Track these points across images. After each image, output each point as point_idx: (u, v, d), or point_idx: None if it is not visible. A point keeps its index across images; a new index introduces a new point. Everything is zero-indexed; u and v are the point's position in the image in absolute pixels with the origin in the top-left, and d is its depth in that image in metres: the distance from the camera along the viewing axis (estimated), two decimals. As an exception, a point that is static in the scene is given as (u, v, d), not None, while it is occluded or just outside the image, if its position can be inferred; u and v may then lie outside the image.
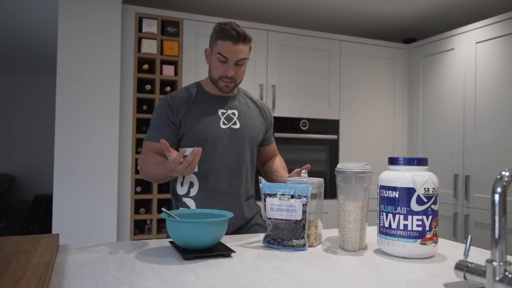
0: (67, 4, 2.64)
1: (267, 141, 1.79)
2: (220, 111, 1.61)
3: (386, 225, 1.19)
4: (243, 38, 1.52)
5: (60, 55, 2.63)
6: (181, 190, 1.60)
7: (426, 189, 1.16)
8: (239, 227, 1.63)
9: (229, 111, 1.62)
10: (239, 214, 1.61)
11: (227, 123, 1.60)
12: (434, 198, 1.18)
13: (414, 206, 1.16)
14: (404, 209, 1.16)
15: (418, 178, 1.17)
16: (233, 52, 1.51)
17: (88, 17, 2.69)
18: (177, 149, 1.58)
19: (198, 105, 1.59)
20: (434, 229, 1.17)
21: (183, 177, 1.59)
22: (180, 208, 1.60)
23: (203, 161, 1.55)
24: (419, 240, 1.15)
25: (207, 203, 1.56)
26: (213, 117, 1.58)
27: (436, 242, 1.18)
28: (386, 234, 1.19)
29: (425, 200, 1.16)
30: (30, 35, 4.17)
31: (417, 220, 1.15)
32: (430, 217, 1.17)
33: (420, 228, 1.15)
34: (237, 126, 1.61)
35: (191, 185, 1.58)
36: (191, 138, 1.55)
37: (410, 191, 1.16)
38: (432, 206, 1.17)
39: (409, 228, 1.16)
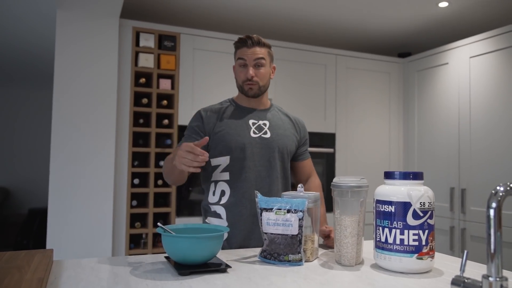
0: (64, 18, 2.66)
1: (301, 156, 1.79)
2: (251, 121, 1.65)
3: (383, 239, 1.19)
4: (257, 42, 1.61)
5: (57, 68, 2.64)
6: (212, 198, 1.64)
7: (422, 204, 1.16)
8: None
9: (260, 122, 1.66)
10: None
11: (257, 132, 1.64)
12: (430, 212, 1.18)
13: (410, 220, 1.16)
14: (400, 223, 1.16)
15: (414, 193, 1.17)
16: (249, 53, 1.60)
17: (85, 31, 2.70)
18: (209, 162, 1.64)
19: (229, 115, 1.65)
20: (430, 244, 1.17)
21: (215, 186, 1.63)
22: (208, 218, 1.64)
23: (233, 168, 1.59)
24: (416, 254, 1.15)
25: (236, 210, 1.58)
26: (244, 126, 1.63)
27: (432, 257, 1.18)
28: (383, 248, 1.19)
29: (421, 214, 1.16)
30: (26, 49, 4.18)
31: (414, 234, 1.15)
32: (427, 231, 1.16)
33: (416, 243, 1.15)
34: (268, 135, 1.64)
35: (223, 193, 1.62)
36: (221, 145, 1.60)
37: (406, 206, 1.16)
38: (428, 221, 1.17)
39: (406, 242, 1.15)
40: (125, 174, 2.78)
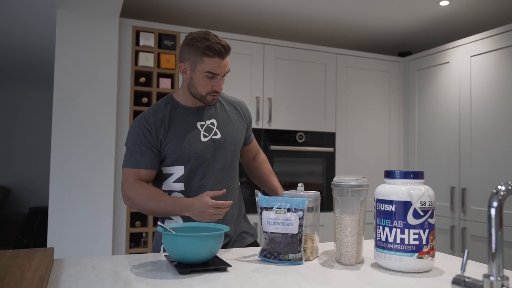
0: (64, 18, 2.66)
1: (248, 139, 1.74)
2: (198, 124, 1.54)
3: (383, 238, 1.19)
4: (229, 49, 1.48)
5: (57, 68, 2.64)
6: None
7: (422, 203, 1.16)
8: (230, 239, 1.61)
9: (208, 122, 1.56)
10: (231, 225, 1.59)
11: (207, 135, 1.54)
12: (430, 211, 1.18)
13: (410, 219, 1.16)
14: (400, 222, 1.16)
15: (415, 192, 1.17)
16: (222, 67, 1.48)
17: (85, 30, 2.70)
18: (160, 170, 1.54)
19: (175, 122, 1.52)
20: (431, 243, 1.17)
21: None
22: (166, 221, 1.56)
23: (188, 178, 1.52)
24: (416, 254, 1.15)
25: (194, 220, 1.47)
26: (193, 132, 1.52)
27: (433, 256, 1.18)
28: (383, 248, 1.19)
29: (422, 213, 1.16)
30: (26, 49, 4.18)
31: (414, 233, 1.15)
32: (427, 230, 1.16)
33: (417, 242, 1.15)
34: (218, 136, 1.56)
35: None
36: (173, 157, 1.50)
37: (406, 205, 1.16)
38: (429, 220, 1.17)
39: (406, 242, 1.15)
40: (126, 173, 2.78)
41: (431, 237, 1.17)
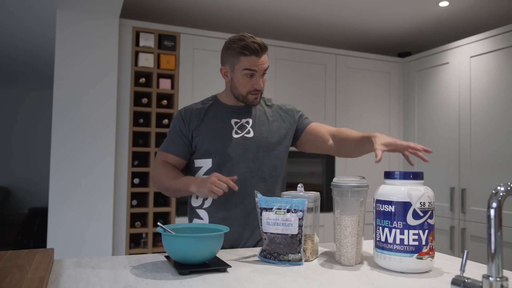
0: (64, 18, 2.66)
1: (303, 124, 1.68)
2: (233, 121, 1.58)
3: (383, 239, 1.19)
4: (264, 48, 1.52)
5: (57, 68, 2.64)
6: (195, 202, 1.60)
7: (422, 203, 1.16)
8: (247, 239, 1.57)
9: (243, 120, 1.59)
10: (251, 229, 1.55)
11: (240, 132, 1.57)
12: (430, 212, 1.18)
13: (410, 220, 1.16)
14: (400, 223, 1.16)
15: (414, 192, 1.17)
16: (259, 64, 1.51)
17: (85, 31, 2.70)
18: (190, 162, 1.61)
19: (210, 116, 1.59)
20: (430, 244, 1.17)
21: None
22: (194, 220, 1.60)
23: (213, 170, 1.54)
24: (416, 254, 1.15)
25: (219, 215, 1.53)
26: (225, 127, 1.57)
27: (432, 257, 1.18)
28: (383, 248, 1.19)
29: (421, 214, 1.16)
30: (26, 49, 4.18)
31: (413, 234, 1.15)
32: (427, 231, 1.16)
33: (416, 243, 1.15)
34: (251, 134, 1.57)
35: (205, 197, 1.57)
36: (203, 149, 1.55)
37: (406, 205, 1.16)
38: (428, 220, 1.17)
39: (406, 242, 1.15)
40: (125, 174, 2.78)
41: (431, 238, 1.17)
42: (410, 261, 1.15)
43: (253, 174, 1.55)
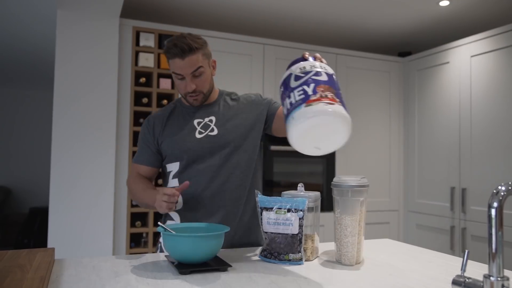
0: (65, 18, 2.66)
1: (273, 109, 1.63)
2: (195, 121, 1.56)
3: (285, 112, 1.12)
4: (189, 50, 1.43)
5: (58, 68, 2.64)
6: None
7: (302, 68, 1.13)
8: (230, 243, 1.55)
9: (206, 119, 1.56)
10: (223, 220, 1.52)
11: (203, 131, 1.53)
12: (313, 72, 1.11)
13: (293, 84, 1.12)
14: (287, 92, 1.12)
15: (294, 66, 1.17)
16: (184, 67, 1.45)
17: (85, 31, 2.70)
18: (163, 166, 1.61)
19: (173, 120, 1.58)
20: (321, 93, 1.06)
21: None
22: (168, 222, 1.55)
23: (182, 175, 1.53)
24: (303, 104, 1.06)
25: (189, 215, 1.50)
26: (188, 129, 1.54)
27: (329, 103, 1.05)
28: (285, 121, 1.12)
29: (302, 75, 1.11)
30: (27, 49, 4.18)
31: (298, 91, 1.09)
32: (312, 84, 1.08)
33: (302, 96, 1.08)
34: (215, 132, 1.53)
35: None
36: (169, 153, 1.55)
37: (288, 77, 1.15)
38: (313, 77, 1.10)
39: (293, 101, 1.09)
40: (126, 173, 2.79)
41: (321, 89, 1.08)
42: (301, 112, 1.05)
43: (221, 171, 1.52)
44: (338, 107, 1.06)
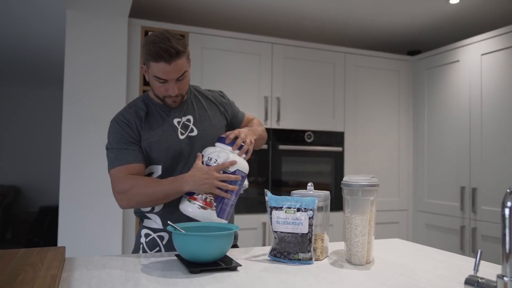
0: (74, 18, 2.68)
1: (237, 121, 1.68)
2: (175, 121, 1.49)
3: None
4: (176, 54, 1.36)
5: (67, 68, 2.66)
6: (145, 208, 1.49)
7: (209, 158, 1.43)
8: None
9: (183, 118, 1.51)
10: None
11: (184, 132, 1.49)
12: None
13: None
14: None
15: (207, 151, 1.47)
16: (170, 72, 1.38)
17: (94, 30, 2.72)
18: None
19: (152, 119, 1.47)
20: (203, 196, 1.37)
21: None
22: (146, 221, 1.51)
23: (164, 176, 1.46)
24: (187, 197, 1.39)
25: (172, 218, 1.42)
26: (170, 129, 1.47)
27: (202, 207, 1.36)
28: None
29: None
30: (37, 50, 4.22)
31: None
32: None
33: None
34: (195, 133, 1.50)
35: None
36: (152, 155, 1.45)
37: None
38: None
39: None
40: (135, 173, 2.79)
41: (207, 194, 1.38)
42: (184, 203, 1.39)
43: None
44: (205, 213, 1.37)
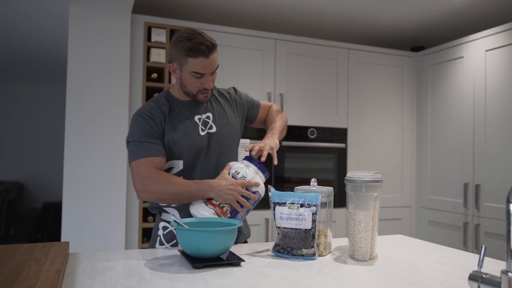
0: (77, 14, 2.68)
1: (254, 112, 1.75)
2: (196, 117, 1.54)
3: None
4: (212, 47, 1.46)
5: (70, 64, 2.66)
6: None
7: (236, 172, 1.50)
8: None
9: (204, 115, 1.56)
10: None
11: (204, 128, 1.54)
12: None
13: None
14: None
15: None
16: (208, 66, 1.46)
17: (98, 26, 2.72)
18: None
19: (174, 115, 1.51)
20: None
21: None
22: (163, 214, 1.55)
23: (185, 172, 1.50)
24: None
25: (188, 212, 1.46)
26: (191, 126, 1.52)
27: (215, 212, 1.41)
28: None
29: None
30: (40, 46, 4.22)
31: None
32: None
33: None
34: (213, 130, 1.56)
35: None
36: (174, 150, 1.48)
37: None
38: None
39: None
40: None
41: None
42: (199, 205, 1.43)
43: (219, 167, 1.55)
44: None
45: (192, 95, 1.53)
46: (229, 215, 1.43)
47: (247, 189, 1.44)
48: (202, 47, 1.42)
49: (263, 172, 1.51)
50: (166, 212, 1.54)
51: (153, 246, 1.55)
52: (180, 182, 1.43)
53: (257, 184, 1.46)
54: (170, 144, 1.48)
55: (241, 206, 1.43)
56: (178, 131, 1.49)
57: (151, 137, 1.45)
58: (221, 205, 1.42)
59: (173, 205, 1.52)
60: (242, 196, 1.42)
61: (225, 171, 1.47)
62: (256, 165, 1.51)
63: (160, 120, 1.48)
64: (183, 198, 1.42)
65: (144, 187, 1.41)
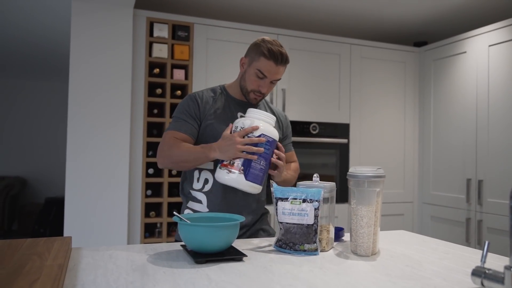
0: (79, 9, 2.67)
1: (285, 146, 1.79)
2: (239, 114, 1.64)
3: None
4: (285, 61, 1.56)
5: (73, 60, 2.66)
6: (196, 185, 1.62)
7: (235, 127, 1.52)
8: (243, 226, 1.61)
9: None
10: (248, 212, 1.62)
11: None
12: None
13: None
14: None
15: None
16: (273, 72, 1.55)
17: (100, 22, 2.71)
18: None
19: (220, 105, 1.63)
20: (232, 160, 1.43)
21: (200, 173, 1.61)
22: (190, 203, 1.62)
23: (218, 159, 1.55)
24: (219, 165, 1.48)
25: (216, 200, 1.57)
26: (232, 119, 1.60)
27: (229, 171, 1.43)
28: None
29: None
30: (42, 42, 4.22)
31: None
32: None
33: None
34: None
35: (206, 181, 1.61)
36: (209, 135, 1.58)
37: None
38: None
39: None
40: (140, 164, 2.80)
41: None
42: (217, 170, 1.47)
43: None
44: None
45: (245, 91, 1.62)
46: (242, 168, 1.42)
47: (249, 138, 1.45)
48: (278, 54, 1.54)
49: (266, 116, 1.50)
50: (193, 199, 1.61)
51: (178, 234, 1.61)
52: (189, 147, 1.53)
53: (254, 128, 1.45)
54: (207, 128, 1.59)
55: (252, 154, 1.43)
56: (217, 119, 1.60)
57: (188, 116, 1.58)
58: (231, 162, 1.44)
59: (204, 190, 1.59)
60: (247, 145, 1.43)
61: (226, 131, 1.50)
62: (255, 112, 1.51)
63: (204, 104, 1.60)
64: (190, 160, 1.52)
65: (162, 152, 1.55)
